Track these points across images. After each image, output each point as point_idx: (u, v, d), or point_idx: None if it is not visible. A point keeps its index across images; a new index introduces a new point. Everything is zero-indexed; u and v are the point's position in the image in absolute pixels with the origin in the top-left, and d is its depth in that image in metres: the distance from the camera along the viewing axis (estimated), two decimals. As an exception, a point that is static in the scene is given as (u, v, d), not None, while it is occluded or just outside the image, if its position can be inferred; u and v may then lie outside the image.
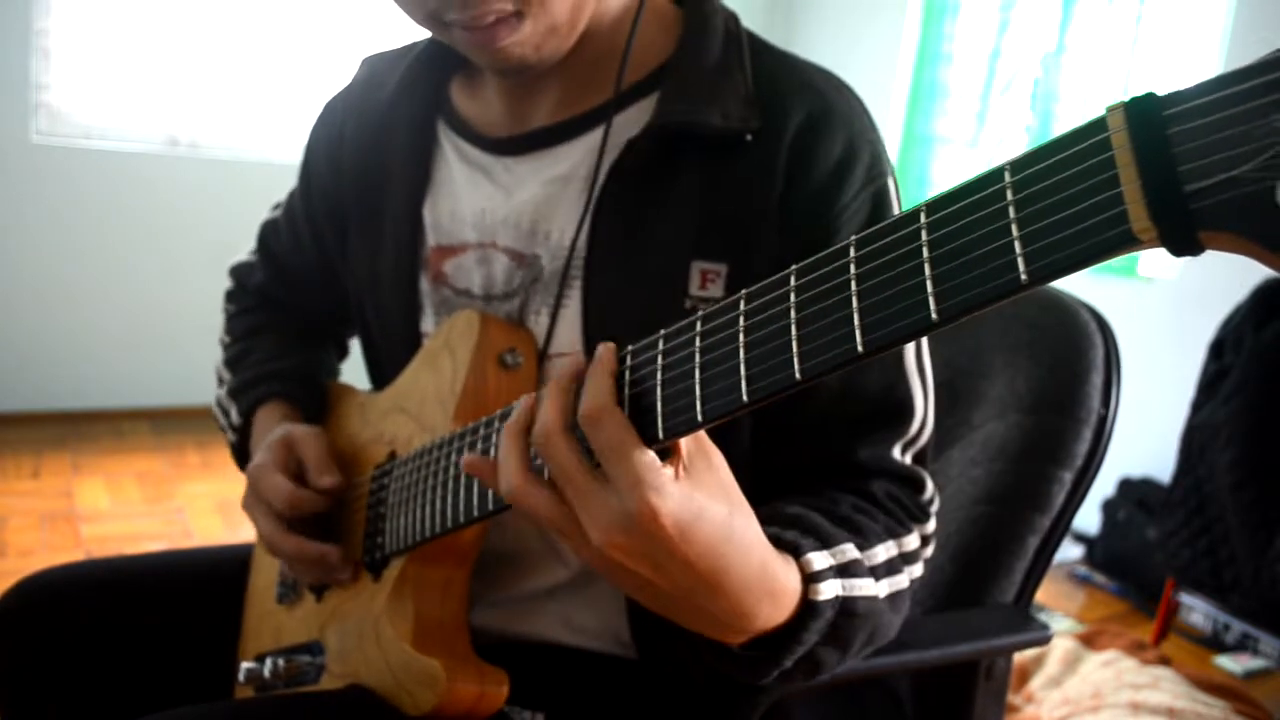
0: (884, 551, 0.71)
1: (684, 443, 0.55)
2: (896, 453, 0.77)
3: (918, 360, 0.78)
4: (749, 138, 0.76)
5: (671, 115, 0.76)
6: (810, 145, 0.76)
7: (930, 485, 0.79)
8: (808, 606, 0.62)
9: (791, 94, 0.78)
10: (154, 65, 3.35)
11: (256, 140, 3.56)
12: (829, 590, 0.63)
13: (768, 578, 0.59)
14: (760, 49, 0.82)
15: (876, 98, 3.80)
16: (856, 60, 3.99)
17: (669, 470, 0.54)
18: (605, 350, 0.57)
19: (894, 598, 0.71)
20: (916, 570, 0.75)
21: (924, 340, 0.79)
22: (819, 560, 0.63)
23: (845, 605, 0.64)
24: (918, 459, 0.79)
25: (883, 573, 0.70)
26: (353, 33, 3.55)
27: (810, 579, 0.62)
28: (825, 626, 0.63)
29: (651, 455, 0.53)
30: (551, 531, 0.57)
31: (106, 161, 3.31)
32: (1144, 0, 3.09)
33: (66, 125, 3.27)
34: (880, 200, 0.77)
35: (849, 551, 0.67)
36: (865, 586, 0.66)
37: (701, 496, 0.54)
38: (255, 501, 0.87)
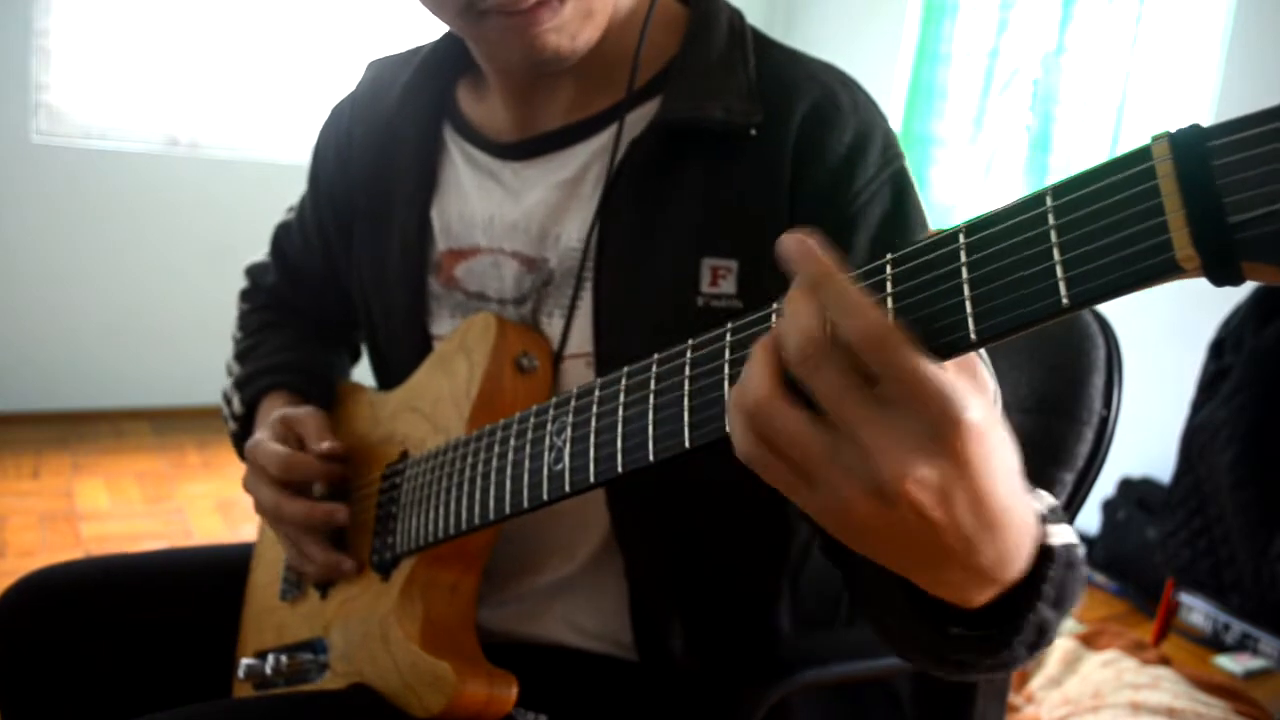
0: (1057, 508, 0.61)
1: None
2: None
3: None
4: (753, 132, 0.76)
5: (674, 112, 0.77)
6: (818, 136, 0.76)
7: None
8: (1045, 552, 0.51)
9: (795, 86, 0.78)
10: (154, 65, 3.35)
11: (256, 140, 3.55)
12: (1059, 535, 0.52)
13: (1027, 520, 0.49)
14: (765, 45, 0.82)
15: (876, 98, 3.79)
16: (855, 60, 3.98)
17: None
18: (828, 263, 0.45)
19: None
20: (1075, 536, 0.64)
21: None
22: (1036, 501, 0.53)
23: (1069, 554, 0.54)
24: None
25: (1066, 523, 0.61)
26: (353, 33, 3.54)
27: (1042, 520, 0.52)
28: (1059, 577, 0.52)
29: (949, 373, 0.43)
30: (793, 478, 0.46)
31: (106, 161, 3.30)
32: (1144, 0, 3.09)
33: (66, 125, 3.26)
34: (901, 183, 0.77)
35: (1043, 495, 0.57)
36: (1071, 535, 0.56)
37: (996, 414, 0.45)
38: (253, 473, 0.87)
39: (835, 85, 0.79)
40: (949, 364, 0.44)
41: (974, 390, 0.43)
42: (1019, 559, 0.49)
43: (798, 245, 0.45)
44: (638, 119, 0.80)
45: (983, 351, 0.75)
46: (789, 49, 0.83)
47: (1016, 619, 0.51)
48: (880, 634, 0.61)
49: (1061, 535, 0.53)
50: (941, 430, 0.42)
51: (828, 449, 0.44)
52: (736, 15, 0.83)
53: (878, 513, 0.44)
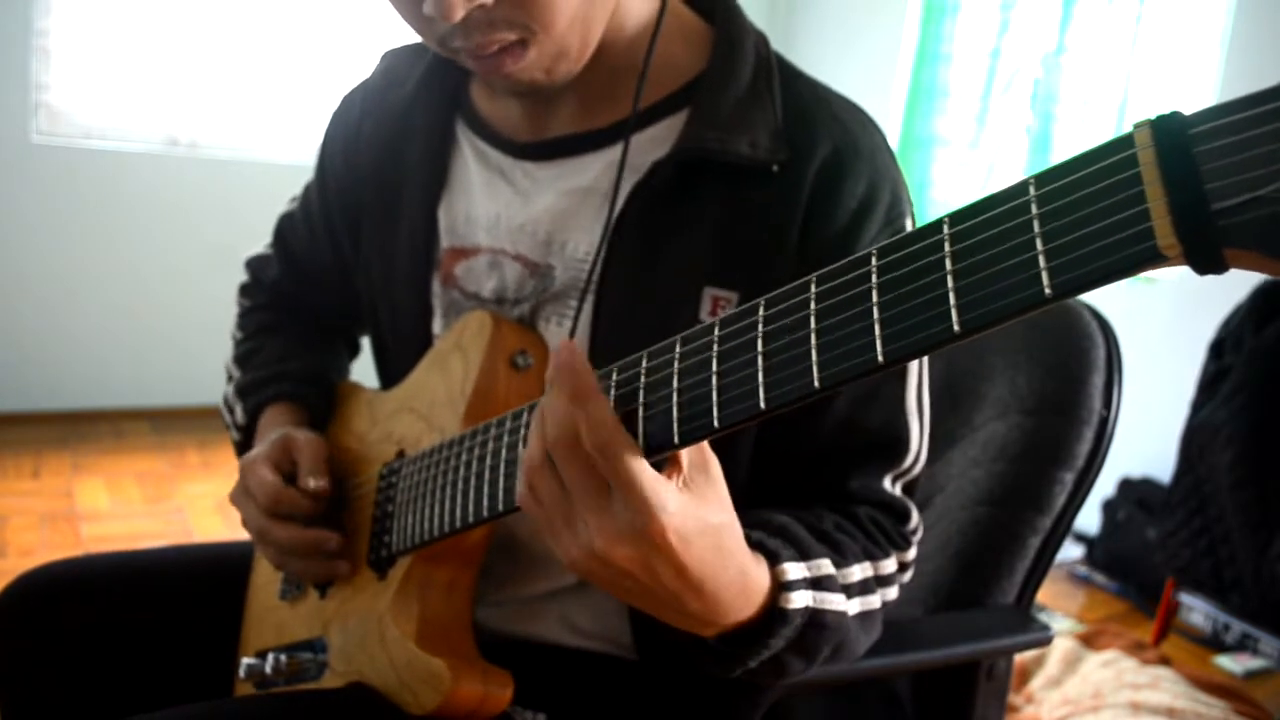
0: (859, 571, 0.73)
1: (685, 453, 0.57)
2: (886, 483, 0.79)
3: (918, 398, 0.79)
4: (775, 169, 0.76)
5: (700, 142, 0.76)
6: (834, 183, 0.76)
7: (915, 516, 0.80)
8: (778, 613, 0.65)
9: (819, 128, 0.77)
10: (154, 65, 3.35)
11: (256, 140, 3.55)
12: (800, 600, 0.65)
13: (745, 579, 0.62)
14: (790, 76, 0.81)
15: (876, 98, 3.80)
16: (856, 60, 3.99)
17: (672, 482, 0.56)
18: (585, 377, 0.56)
19: (864, 617, 0.73)
20: (891, 593, 0.77)
21: (924, 376, 0.80)
22: (794, 570, 0.66)
23: (814, 617, 0.67)
24: (906, 490, 0.81)
25: (855, 591, 0.72)
26: (353, 32, 3.54)
27: (783, 587, 0.65)
28: (793, 634, 0.66)
29: (656, 476, 0.55)
30: (544, 525, 0.59)
31: (106, 161, 3.31)
32: (1144, 0, 3.09)
33: (66, 125, 3.26)
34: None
35: (824, 567, 0.69)
36: (836, 602, 0.69)
37: (703, 510, 0.57)
38: (241, 492, 0.88)
39: (856, 130, 0.78)
40: (683, 454, 0.57)
41: (683, 491, 0.56)
42: (733, 611, 0.62)
43: (567, 356, 0.56)
44: (659, 133, 0.80)
45: (926, 410, 0.80)
46: (813, 82, 0.82)
47: (744, 656, 0.66)
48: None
49: (808, 600, 0.66)
50: (643, 522, 0.54)
51: (568, 516, 0.57)
52: (762, 40, 0.82)
53: (598, 570, 0.57)
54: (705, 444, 0.57)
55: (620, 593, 0.60)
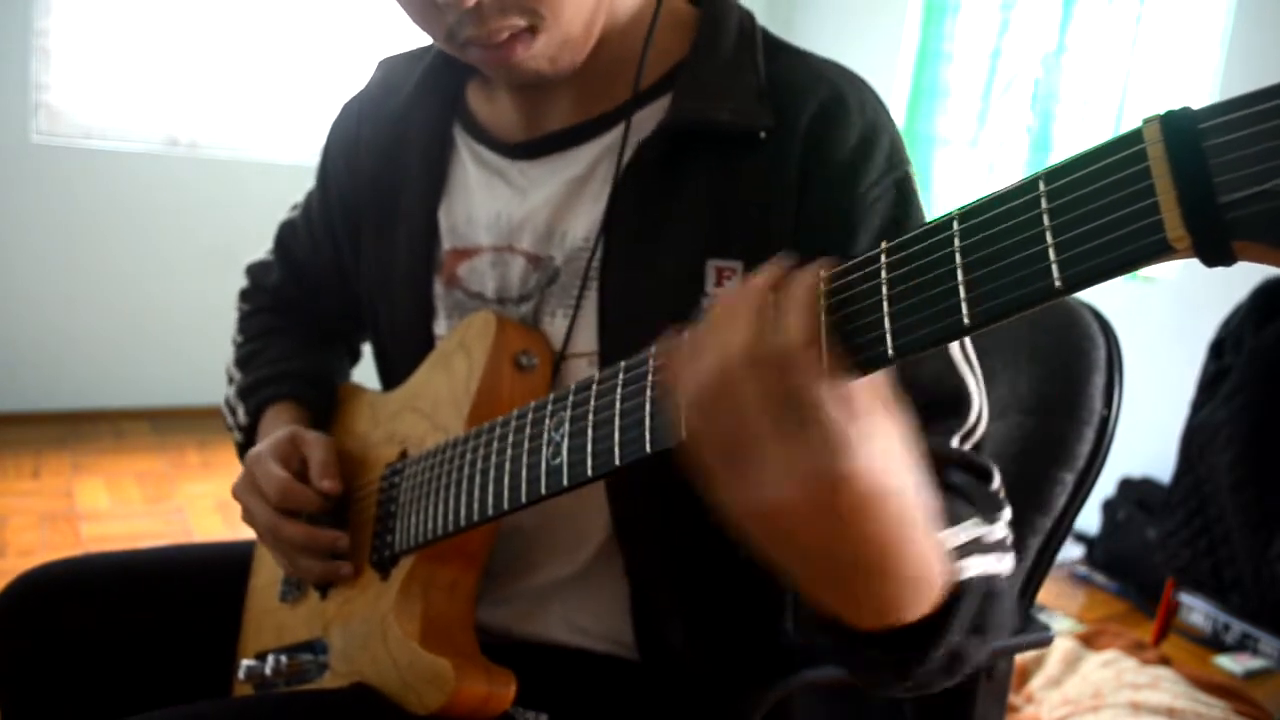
0: (989, 536, 0.67)
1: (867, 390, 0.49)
2: (956, 443, 0.73)
3: (963, 351, 0.74)
4: (762, 135, 0.76)
5: (682, 114, 0.77)
6: (824, 135, 0.75)
7: (997, 475, 0.74)
8: (957, 588, 0.55)
9: (804, 88, 0.77)
10: (154, 65, 3.35)
11: (256, 140, 3.55)
12: (973, 567, 0.57)
13: (926, 565, 0.52)
14: (775, 47, 0.82)
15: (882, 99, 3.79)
16: (856, 60, 3.95)
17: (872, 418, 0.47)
18: (810, 277, 0.47)
19: (1012, 578, 0.67)
20: (1009, 560, 0.69)
21: None
22: (952, 537, 0.59)
23: (990, 585, 0.58)
24: (976, 450, 0.75)
25: (1002, 549, 0.67)
26: (353, 33, 3.54)
27: (951, 555, 0.57)
28: (973, 609, 0.57)
29: (848, 411, 0.46)
30: (719, 461, 0.50)
31: (106, 161, 3.30)
32: (1144, 0, 3.09)
33: (66, 125, 3.26)
34: (905, 189, 0.76)
35: (971, 529, 0.63)
36: (992, 564, 0.61)
37: (894, 466, 0.49)
38: (249, 487, 0.87)
39: (844, 85, 0.78)
40: (861, 384, 0.47)
41: (868, 431, 0.46)
42: (912, 604, 0.52)
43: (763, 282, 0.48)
44: (646, 119, 0.80)
45: (975, 364, 0.75)
46: (799, 50, 0.83)
47: (925, 649, 0.55)
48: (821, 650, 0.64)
49: (979, 567, 0.57)
50: (826, 468, 0.46)
51: (747, 448, 0.48)
52: (747, 17, 0.83)
53: (780, 519, 0.48)
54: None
55: (790, 559, 0.51)
